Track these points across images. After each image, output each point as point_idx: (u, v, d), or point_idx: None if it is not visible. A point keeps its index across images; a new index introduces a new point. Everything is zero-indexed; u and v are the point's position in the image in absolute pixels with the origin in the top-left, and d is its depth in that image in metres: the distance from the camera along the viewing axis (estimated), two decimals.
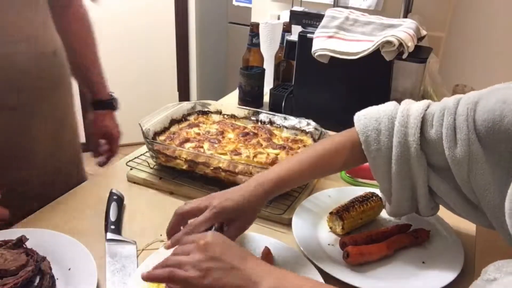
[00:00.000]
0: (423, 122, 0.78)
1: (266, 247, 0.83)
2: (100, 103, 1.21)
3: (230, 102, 1.60)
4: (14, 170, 0.99)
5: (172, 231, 0.77)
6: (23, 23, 0.93)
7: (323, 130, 1.14)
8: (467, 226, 0.97)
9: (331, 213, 0.92)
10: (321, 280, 0.77)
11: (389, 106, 0.83)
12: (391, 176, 0.81)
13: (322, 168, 0.86)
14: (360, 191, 1.01)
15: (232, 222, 0.77)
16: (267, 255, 0.81)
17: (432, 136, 0.77)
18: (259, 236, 0.88)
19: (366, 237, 0.88)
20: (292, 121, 1.21)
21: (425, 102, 0.81)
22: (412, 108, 0.80)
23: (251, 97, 1.56)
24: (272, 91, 1.55)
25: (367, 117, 0.83)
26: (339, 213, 0.91)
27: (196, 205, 0.76)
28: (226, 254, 0.63)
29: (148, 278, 0.65)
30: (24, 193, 0.99)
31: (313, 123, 1.18)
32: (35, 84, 0.97)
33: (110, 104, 1.22)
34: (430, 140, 0.77)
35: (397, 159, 0.80)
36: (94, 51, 1.19)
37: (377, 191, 1.00)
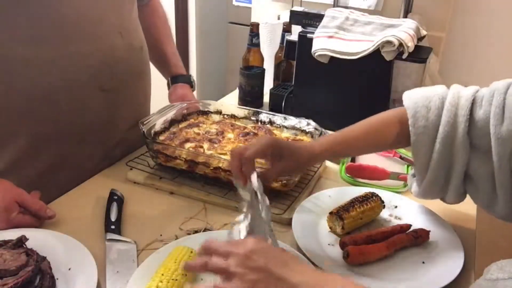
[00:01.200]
0: (473, 104, 0.81)
1: None
2: (180, 77, 1.35)
3: (230, 102, 1.60)
4: (102, 146, 1.12)
5: (236, 169, 0.80)
6: (116, 18, 1.06)
7: (323, 130, 1.14)
8: (467, 226, 0.97)
9: (331, 213, 0.92)
10: None
11: (439, 88, 0.87)
12: (432, 155, 0.83)
13: (376, 138, 0.90)
14: (360, 191, 1.01)
15: (279, 160, 0.83)
16: None
17: (480, 116, 0.79)
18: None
19: (366, 237, 0.87)
20: (292, 121, 1.21)
21: (475, 87, 0.84)
22: (462, 91, 0.84)
23: (251, 97, 1.56)
24: (272, 91, 1.55)
25: (417, 95, 0.86)
26: (339, 213, 0.91)
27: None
28: (271, 262, 0.60)
29: None
30: (97, 170, 1.12)
31: (313, 123, 1.18)
32: (124, 71, 1.11)
33: (188, 78, 1.36)
34: (477, 121, 0.80)
35: (443, 138, 0.81)
36: (171, 39, 1.39)
37: (377, 191, 1.00)
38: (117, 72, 1.08)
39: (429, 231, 0.90)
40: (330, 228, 0.93)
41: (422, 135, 0.83)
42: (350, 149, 0.94)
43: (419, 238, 0.89)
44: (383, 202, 0.96)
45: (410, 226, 0.92)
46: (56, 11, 0.94)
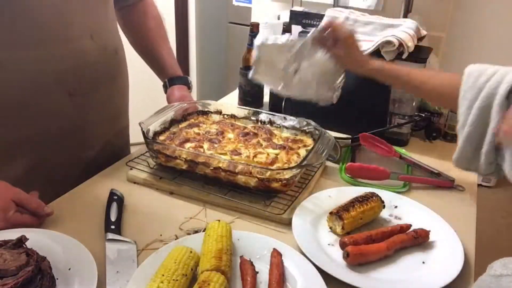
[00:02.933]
0: None
1: (275, 249, 0.83)
2: (177, 79, 1.33)
3: (230, 102, 1.60)
4: (73, 150, 1.10)
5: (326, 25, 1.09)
6: (88, 21, 1.04)
7: (323, 130, 1.14)
8: (467, 226, 0.97)
9: (331, 213, 0.92)
10: (322, 280, 0.77)
11: (501, 66, 0.98)
12: (472, 110, 0.94)
13: (435, 86, 1.06)
14: (360, 191, 1.01)
15: (339, 44, 1.08)
16: (277, 257, 0.81)
17: None
18: (264, 238, 0.87)
19: (366, 237, 0.87)
20: (292, 121, 1.21)
21: None
22: None
23: (251, 97, 1.56)
24: (272, 91, 1.54)
25: (478, 65, 1.00)
26: (339, 213, 0.91)
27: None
28: None
29: None
30: (71, 175, 1.09)
31: (313, 123, 1.18)
32: (94, 75, 1.08)
33: (185, 79, 1.34)
34: None
35: (483, 96, 0.92)
36: (166, 40, 1.35)
37: (377, 191, 1.00)
38: (86, 76, 1.06)
39: (429, 231, 0.90)
40: (330, 228, 0.93)
41: (469, 92, 0.95)
42: (406, 80, 1.09)
43: (419, 238, 0.89)
44: (383, 202, 0.97)
45: (410, 226, 0.92)
46: (30, 13, 0.93)
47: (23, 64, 0.95)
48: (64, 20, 0.99)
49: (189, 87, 1.35)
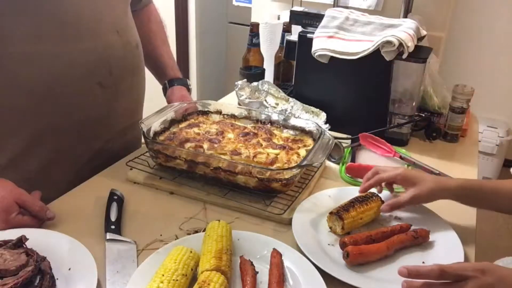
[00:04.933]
0: None
1: (274, 249, 0.83)
2: (176, 80, 1.36)
3: (230, 102, 1.60)
4: (98, 140, 1.15)
5: (366, 179, 0.98)
6: (112, 17, 1.10)
7: (323, 129, 1.14)
8: (467, 226, 0.97)
9: (331, 213, 0.92)
10: (322, 280, 0.77)
11: None
12: None
13: None
14: None
15: (410, 187, 0.92)
16: (276, 257, 0.81)
17: None
18: (264, 238, 0.87)
19: (366, 237, 0.87)
20: (292, 120, 1.21)
21: None
22: None
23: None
24: None
25: None
26: (339, 213, 0.91)
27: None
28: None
29: None
30: (94, 164, 1.13)
31: (313, 123, 1.18)
32: (121, 68, 1.13)
33: (185, 81, 1.38)
34: None
35: None
36: (167, 44, 1.40)
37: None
38: (115, 68, 1.11)
39: (429, 231, 0.90)
40: (330, 228, 0.93)
41: None
42: (491, 198, 0.91)
43: (419, 238, 0.89)
44: (383, 202, 0.96)
45: (410, 226, 0.92)
46: (56, 9, 0.97)
47: (50, 57, 0.98)
48: (90, 17, 1.04)
49: (188, 89, 1.37)
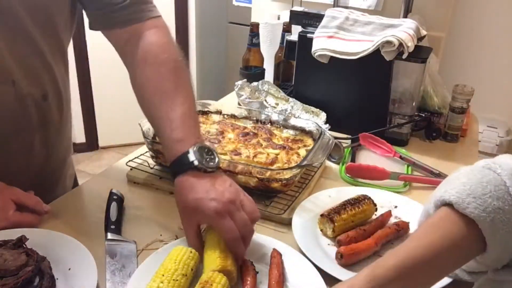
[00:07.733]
0: None
1: (274, 249, 0.83)
2: (184, 160, 0.82)
3: (230, 102, 1.60)
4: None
5: None
6: (13, 61, 0.88)
7: (323, 129, 1.14)
8: None
9: (322, 215, 0.92)
10: (322, 280, 0.77)
11: (482, 172, 0.65)
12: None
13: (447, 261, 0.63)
14: (360, 191, 1.00)
15: None
16: (276, 257, 0.81)
17: None
18: (264, 238, 0.87)
19: (359, 232, 0.89)
20: (292, 120, 1.21)
21: None
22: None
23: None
24: None
25: (475, 197, 0.62)
26: (330, 216, 0.90)
27: None
28: None
29: None
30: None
31: (313, 123, 1.18)
32: (9, 124, 0.93)
33: (195, 166, 0.80)
34: None
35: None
36: (179, 94, 0.90)
37: (377, 191, 1.00)
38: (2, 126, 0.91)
39: (408, 223, 0.92)
40: (321, 230, 0.93)
41: (504, 236, 0.61)
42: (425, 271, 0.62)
43: (401, 231, 0.90)
44: (375, 205, 0.96)
45: (408, 224, 0.93)
46: None
47: None
48: None
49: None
